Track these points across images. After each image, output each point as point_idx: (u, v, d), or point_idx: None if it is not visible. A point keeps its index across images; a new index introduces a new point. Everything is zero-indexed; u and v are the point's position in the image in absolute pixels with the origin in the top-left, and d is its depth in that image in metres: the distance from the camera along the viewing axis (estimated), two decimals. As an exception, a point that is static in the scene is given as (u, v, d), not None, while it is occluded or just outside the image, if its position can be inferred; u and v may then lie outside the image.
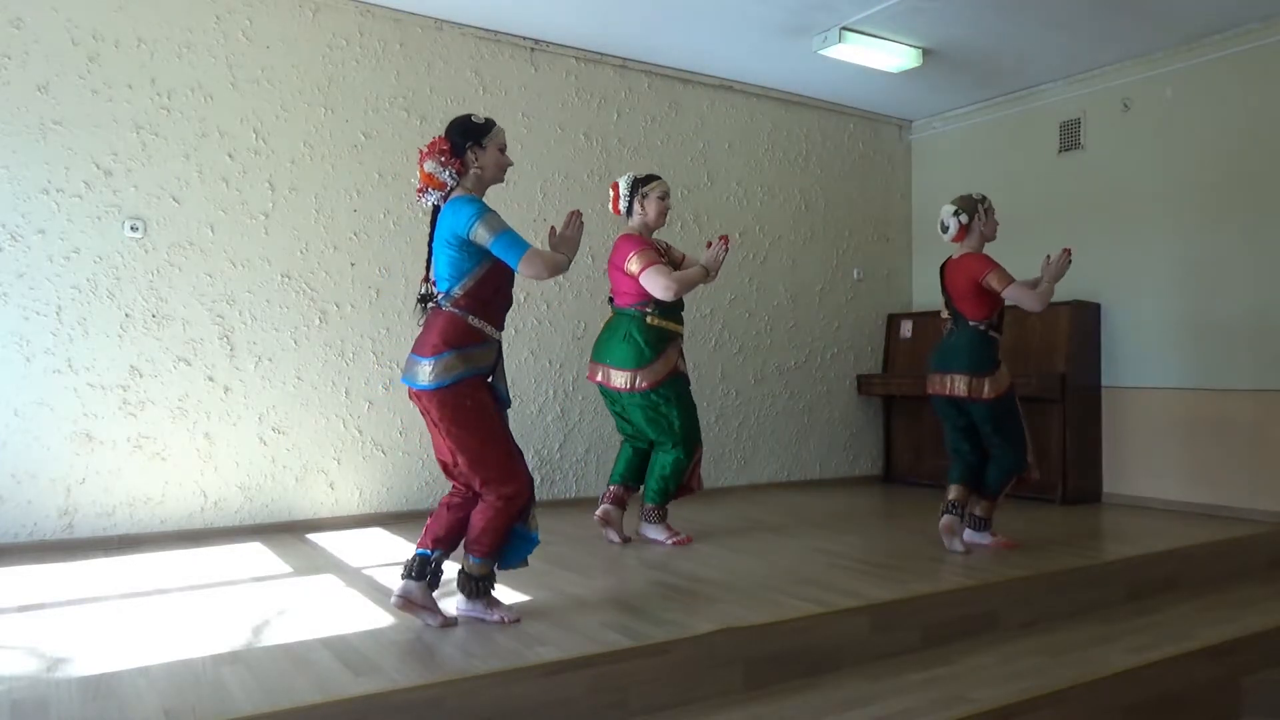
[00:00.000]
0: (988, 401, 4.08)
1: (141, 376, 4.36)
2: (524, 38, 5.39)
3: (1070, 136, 6.05)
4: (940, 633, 3.26)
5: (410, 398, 2.96)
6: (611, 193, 4.33)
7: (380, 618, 3.01)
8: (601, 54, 5.66)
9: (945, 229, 4.21)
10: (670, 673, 2.69)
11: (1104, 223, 5.85)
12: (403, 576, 2.93)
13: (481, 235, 2.77)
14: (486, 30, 5.28)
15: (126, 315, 4.33)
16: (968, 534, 4.25)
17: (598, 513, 4.32)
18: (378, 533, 4.57)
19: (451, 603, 3.03)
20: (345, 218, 4.87)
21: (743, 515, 5.13)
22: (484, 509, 2.91)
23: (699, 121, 6.09)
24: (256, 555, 4.04)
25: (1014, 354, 5.92)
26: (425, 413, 2.92)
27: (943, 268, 4.31)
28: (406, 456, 4.99)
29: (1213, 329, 5.33)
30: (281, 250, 4.70)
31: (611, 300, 4.32)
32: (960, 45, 5.46)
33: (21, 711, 2.23)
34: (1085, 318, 5.76)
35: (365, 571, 3.70)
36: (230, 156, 4.59)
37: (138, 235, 4.36)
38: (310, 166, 4.79)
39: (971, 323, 4.14)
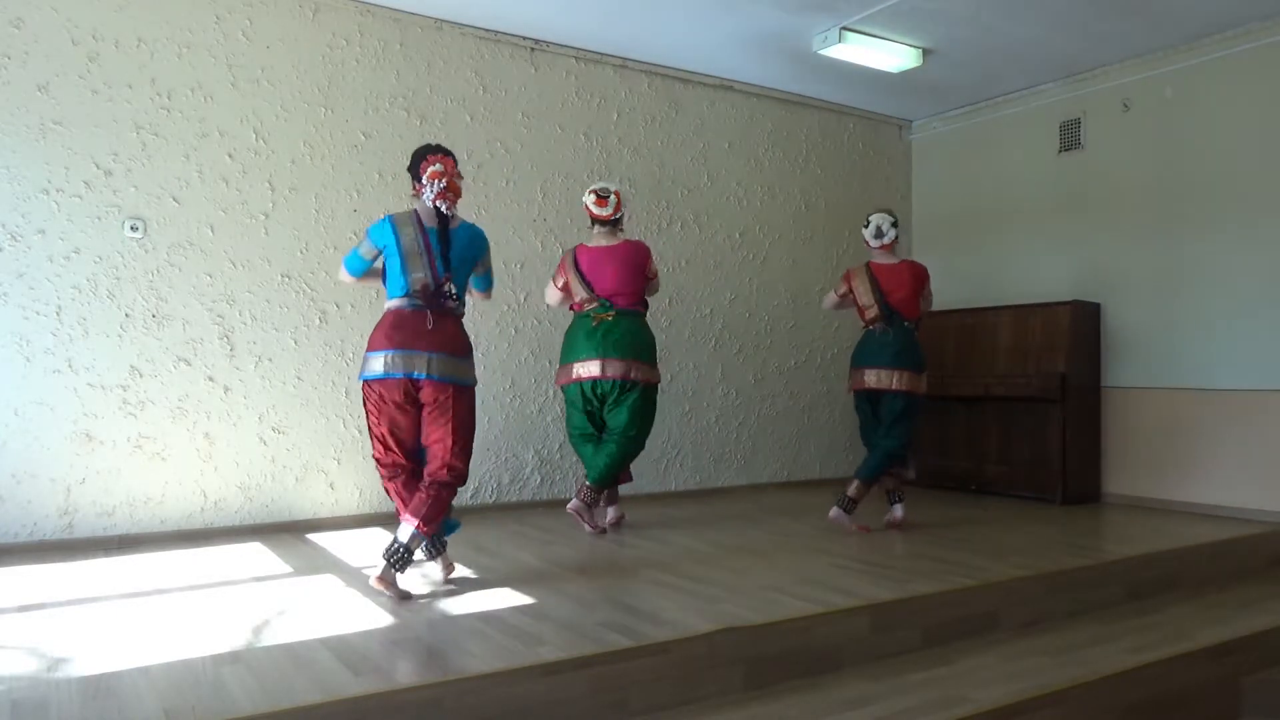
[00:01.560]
0: (920, 396, 4.47)
1: (141, 376, 4.36)
2: (524, 38, 5.39)
3: (1070, 136, 6.05)
4: (940, 633, 3.27)
5: (421, 389, 3.21)
6: (614, 199, 4.44)
7: (380, 618, 3.01)
8: (601, 54, 5.66)
9: (881, 234, 4.56)
10: (670, 673, 2.69)
11: (1104, 223, 5.85)
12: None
13: (486, 265, 3.31)
14: (486, 30, 5.28)
15: (126, 315, 4.34)
16: (834, 512, 4.49)
17: (608, 521, 4.61)
18: (378, 533, 4.57)
19: (416, 583, 3.29)
20: (345, 218, 4.87)
21: (743, 515, 5.13)
22: (445, 492, 3.23)
23: (699, 121, 6.08)
24: (256, 555, 4.04)
25: (1014, 354, 5.93)
26: (439, 405, 3.20)
27: (871, 270, 4.58)
28: (406, 456, 4.99)
29: (1212, 329, 5.32)
30: (281, 250, 4.71)
31: (610, 302, 4.36)
32: (960, 45, 5.46)
33: (21, 711, 2.23)
34: (1085, 318, 5.76)
35: (365, 571, 3.69)
36: (230, 156, 4.59)
37: (138, 235, 4.36)
38: (310, 166, 4.79)
39: (908, 323, 4.49)
